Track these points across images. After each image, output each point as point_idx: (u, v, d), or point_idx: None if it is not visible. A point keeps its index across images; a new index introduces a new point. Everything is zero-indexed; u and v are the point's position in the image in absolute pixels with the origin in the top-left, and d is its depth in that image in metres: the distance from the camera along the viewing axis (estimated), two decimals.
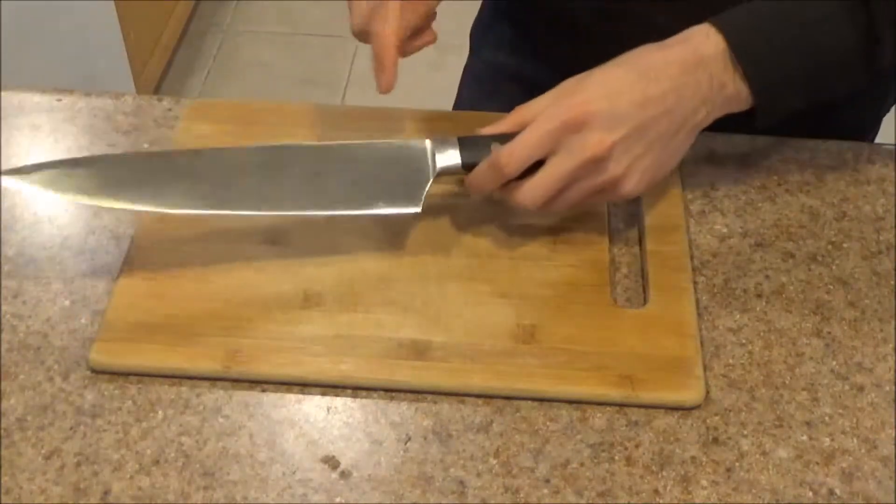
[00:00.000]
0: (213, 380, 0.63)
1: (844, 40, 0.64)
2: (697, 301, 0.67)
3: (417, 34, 0.71)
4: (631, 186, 0.65)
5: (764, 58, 0.64)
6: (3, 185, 0.67)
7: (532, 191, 0.64)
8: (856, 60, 0.65)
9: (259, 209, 0.67)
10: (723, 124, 0.74)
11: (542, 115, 0.64)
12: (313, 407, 0.62)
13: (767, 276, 0.69)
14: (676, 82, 0.63)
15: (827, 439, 0.61)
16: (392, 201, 0.67)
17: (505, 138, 0.65)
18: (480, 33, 0.97)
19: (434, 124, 0.78)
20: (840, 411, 0.62)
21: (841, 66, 0.65)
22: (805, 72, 0.65)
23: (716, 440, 0.61)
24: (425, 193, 0.67)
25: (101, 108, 0.81)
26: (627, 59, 0.65)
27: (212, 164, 0.68)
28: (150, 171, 0.67)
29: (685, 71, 0.63)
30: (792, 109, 0.66)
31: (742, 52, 0.63)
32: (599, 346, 0.64)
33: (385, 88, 0.68)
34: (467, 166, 0.67)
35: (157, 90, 2.24)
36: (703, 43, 0.64)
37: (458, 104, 0.99)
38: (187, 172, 0.67)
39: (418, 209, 0.67)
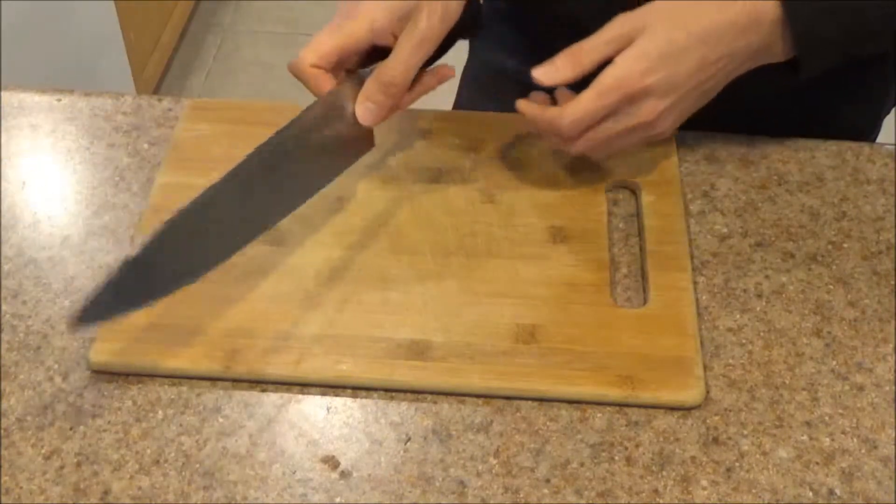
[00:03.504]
0: (213, 380, 0.63)
1: (887, 5, 0.66)
2: (697, 301, 0.67)
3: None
4: (664, 129, 0.67)
5: (812, 21, 0.65)
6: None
7: (583, 142, 0.67)
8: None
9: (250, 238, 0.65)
10: (723, 123, 0.74)
11: (605, 84, 0.65)
12: (313, 407, 0.62)
13: (767, 276, 0.69)
14: (732, 47, 0.65)
15: (827, 439, 0.61)
16: (346, 158, 0.69)
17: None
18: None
19: (433, 124, 0.78)
20: (840, 411, 0.62)
21: (883, 28, 0.68)
22: (848, 33, 0.67)
23: (716, 440, 0.61)
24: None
25: (101, 108, 0.81)
26: (687, 20, 0.65)
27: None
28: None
29: (740, 34, 0.65)
30: (828, 67, 0.68)
31: (794, 16, 0.65)
32: (599, 346, 0.64)
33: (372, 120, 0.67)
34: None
35: (157, 90, 2.24)
36: (760, 4, 0.65)
37: (458, 105, 0.99)
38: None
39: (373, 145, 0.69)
